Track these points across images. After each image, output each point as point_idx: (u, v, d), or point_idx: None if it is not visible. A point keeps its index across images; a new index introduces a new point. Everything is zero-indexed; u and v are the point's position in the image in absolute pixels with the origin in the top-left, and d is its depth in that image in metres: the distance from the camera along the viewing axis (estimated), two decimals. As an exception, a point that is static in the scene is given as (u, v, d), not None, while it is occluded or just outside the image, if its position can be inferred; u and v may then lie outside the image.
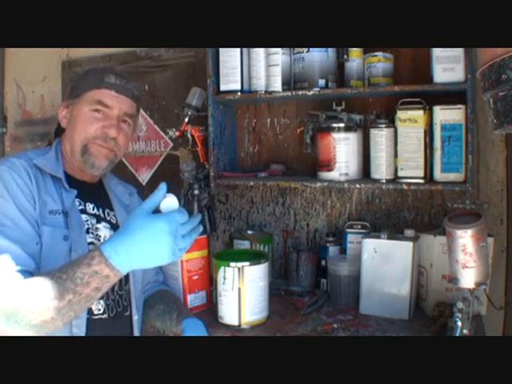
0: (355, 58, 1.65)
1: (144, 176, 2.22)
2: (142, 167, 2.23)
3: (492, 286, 1.50)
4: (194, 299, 1.58)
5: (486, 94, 0.91)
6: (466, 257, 1.23)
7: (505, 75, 0.84)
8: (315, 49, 1.63)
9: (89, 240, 1.20)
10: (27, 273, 1.01)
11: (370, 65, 1.61)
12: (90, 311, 1.17)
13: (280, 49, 1.67)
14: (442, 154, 1.52)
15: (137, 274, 1.32)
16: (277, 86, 1.69)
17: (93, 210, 1.26)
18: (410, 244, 1.48)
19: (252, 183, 1.82)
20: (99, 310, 1.20)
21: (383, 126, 1.60)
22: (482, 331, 1.42)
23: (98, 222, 1.26)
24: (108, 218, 1.29)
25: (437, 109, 1.52)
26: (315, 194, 1.92)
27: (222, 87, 1.76)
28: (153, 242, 0.94)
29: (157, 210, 0.98)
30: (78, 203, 1.22)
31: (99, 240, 1.24)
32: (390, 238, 1.52)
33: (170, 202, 0.99)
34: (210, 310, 1.58)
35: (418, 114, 1.53)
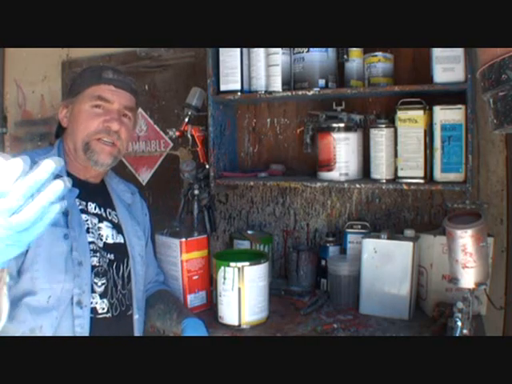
0: (355, 58, 1.65)
1: (144, 176, 2.22)
2: (142, 167, 2.23)
3: (492, 286, 1.50)
4: (194, 299, 1.58)
5: (486, 93, 0.91)
6: (466, 257, 1.23)
7: (505, 75, 0.84)
8: (315, 49, 1.63)
9: (89, 239, 1.21)
10: None
11: (370, 65, 1.61)
12: (93, 310, 1.18)
13: (280, 49, 1.67)
14: (442, 154, 1.52)
15: (138, 274, 1.33)
16: (277, 86, 1.69)
17: (94, 209, 1.27)
18: (409, 244, 1.48)
19: (252, 183, 1.82)
20: (103, 308, 1.20)
21: (383, 125, 1.60)
22: (481, 331, 1.42)
23: (100, 221, 1.27)
24: (110, 218, 1.30)
25: (437, 109, 1.52)
26: (315, 194, 1.91)
27: (222, 87, 1.76)
28: None
29: None
30: (78, 203, 1.23)
31: (101, 239, 1.24)
32: (390, 238, 1.52)
33: None
34: (210, 310, 1.58)
35: (418, 114, 1.53)
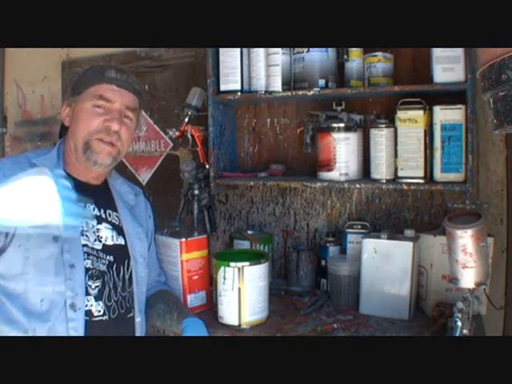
0: (355, 58, 1.65)
1: (144, 176, 2.22)
2: (142, 167, 2.23)
3: (492, 286, 1.50)
4: (194, 299, 1.58)
5: (486, 93, 0.91)
6: (466, 257, 1.23)
7: (505, 75, 0.84)
8: (315, 49, 1.63)
9: (83, 242, 1.19)
10: None
11: (370, 65, 1.61)
12: (89, 313, 1.17)
13: (280, 49, 1.67)
14: (442, 154, 1.52)
15: (140, 276, 1.32)
16: (277, 86, 1.68)
17: (93, 210, 1.25)
18: (409, 244, 1.48)
19: (252, 183, 1.82)
20: (99, 311, 1.19)
21: (383, 125, 1.60)
22: (481, 331, 1.42)
23: (99, 223, 1.26)
24: (109, 219, 1.29)
25: (437, 109, 1.52)
26: (315, 194, 1.91)
27: (222, 87, 1.76)
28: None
29: None
30: None
31: (100, 241, 1.24)
32: (390, 237, 1.52)
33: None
34: (210, 310, 1.58)
35: (418, 114, 1.53)
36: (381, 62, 1.60)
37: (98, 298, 1.20)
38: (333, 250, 1.76)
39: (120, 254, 1.28)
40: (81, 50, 2.23)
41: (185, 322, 1.29)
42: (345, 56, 1.65)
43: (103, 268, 1.22)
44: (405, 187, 1.56)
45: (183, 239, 1.56)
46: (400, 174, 1.57)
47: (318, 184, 1.68)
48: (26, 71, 2.49)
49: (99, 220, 1.26)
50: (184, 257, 1.56)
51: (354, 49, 1.64)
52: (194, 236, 1.61)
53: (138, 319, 1.29)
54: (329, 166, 1.65)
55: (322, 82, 1.64)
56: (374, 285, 1.52)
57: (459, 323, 1.21)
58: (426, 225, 1.72)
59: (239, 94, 1.74)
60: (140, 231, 1.37)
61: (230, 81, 1.74)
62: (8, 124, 2.58)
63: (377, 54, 1.60)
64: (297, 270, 1.80)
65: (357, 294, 1.58)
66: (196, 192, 1.80)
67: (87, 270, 1.18)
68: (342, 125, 1.65)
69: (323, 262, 1.76)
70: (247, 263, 1.43)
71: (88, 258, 1.19)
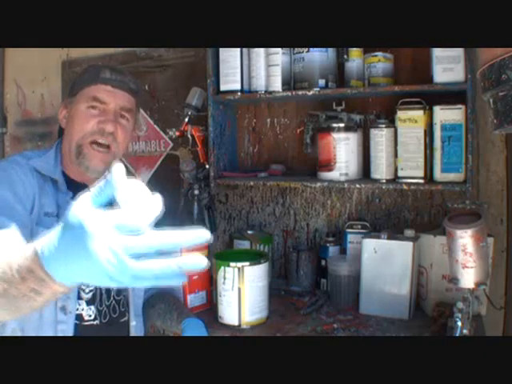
0: (355, 58, 1.65)
1: (144, 176, 2.22)
2: (142, 167, 2.23)
3: (492, 286, 1.50)
4: (194, 299, 1.58)
5: (486, 93, 0.91)
6: (466, 257, 1.23)
7: (505, 75, 0.84)
8: (315, 49, 1.63)
9: None
10: None
11: (370, 65, 1.61)
12: (79, 317, 1.16)
13: (280, 49, 1.67)
14: (441, 154, 1.52)
15: None
16: (277, 85, 1.68)
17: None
18: (409, 244, 1.48)
19: (252, 183, 1.82)
20: (90, 315, 1.19)
21: (383, 125, 1.60)
22: (481, 331, 1.42)
23: None
24: None
25: (437, 109, 1.52)
26: (315, 194, 1.91)
27: (222, 87, 1.76)
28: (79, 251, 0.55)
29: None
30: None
31: None
32: (390, 237, 1.52)
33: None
34: (210, 309, 1.58)
35: (418, 114, 1.53)
36: (381, 62, 1.60)
37: (90, 302, 1.19)
38: (333, 250, 1.76)
39: None
40: (81, 49, 2.23)
41: (185, 322, 1.28)
42: (345, 56, 1.65)
43: None
44: (405, 187, 1.56)
45: (183, 239, 1.56)
46: (400, 174, 1.57)
47: (318, 184, 1.68)
48: (26, 71, 2.49)
49: None
50: (184, 257, 1.56)
51: (354, 49, 1.64)
52: (193, 236, 1.60)
53: (133, 323, 1.28)
54: (329, 165, 1.65)
55: (322, 82, 1.64)
56: (374, 285, 1.52)
57: (459, 323, 1.21)
58: (426, 225, 1.72)
59: (239, 93, 1.74)
60: None
61: (230, 81, 1.74)
62: (8, 124, 2.58)
63: (377, 53, 1.60)
64: (297, 270, 1.80)
65: (357, 294, 1.58)
66: (196, 192, 1.80)
67: None
68: (341, 125, 1.65)
69: (323, 262, 1.76)
70: (247, 263, 1.43)
71: None
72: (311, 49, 1.63)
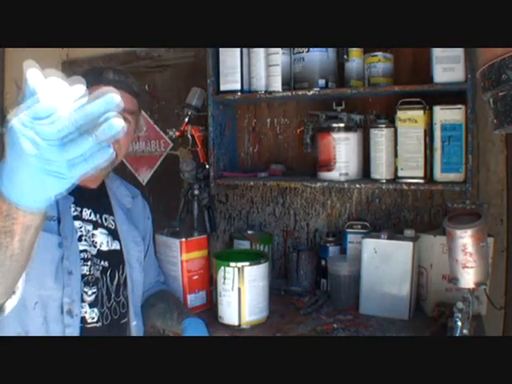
0: (355, 58, 1.65)
1: (144, 176, 2.22)
2: (142, 167, 2.23)
3: (492, 286, 1.50)
4: (194, 299, 1.59)
5: (486, 93, 0.91)
6: (466, 257, 1.23)
7: (505, 75, 0.84)
8: (315, 49, 1.63)
9: (81, 248, 1.18)
10: None
11: (370, 65, 1.61)
12: (83, 320, 1.17)
13: (280, 49, 1.67)
14: (441, 154, 1.52)
15: (136, 281, 1.32)
16: (277, 86, 1.68)
17: (89, 215, 1.24)
18: (409, 244, 1.48)
19: (252, 183, 1.82)
20: (93, 318, 1.19)
21: (383, 125, 1.60)
22: (481, 331, 1.42)
23: (95, 228, 1.24)
24: (106, 224, 1.27)
25: (437, 109, 1.52)
26: (315, 194, 1.91)
27: (222, 87, 1.76)
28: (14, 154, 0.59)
29: None
30: (73, 209, 1.20)
31: (95, 246, 1.23)
32: (390, 237, 1.52)
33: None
34: (210, 309, 1.58)
35: (418, 114, 1.53)
36: (381, 62, 1.60)
37: (92, 304, 1.19)
38: (333, 250, 1.76)
39: (115, 260, 1.26)
40: (81, 50, 2.23)
41: (185, 322, 1.29)
42: (345, 56, 1.65)
43: (97, 274, 1.21)
44: (405, 187, 1.56)
45: (183, 239, 1.56)
46: (400, 174, 1.57)
47: (318, 184, 1.68)
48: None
49: (95, 225, 1.24)
50: (184, 257, 1.56)
51: (354, 49, 1.64)
52: (193, 236, 1.61)
53: (133, 323, 1.29)
54: (329, 165, 1.65)
55: (321, 82, 1.64)
56: (374, 285, 1.52)
57: (459, 323, 1.21)
58: (426, 225, 1.72)
59: (239, 93, 1.74)
60: (136, 235, 1.35)
61: (230, 81, 1.74)
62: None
63: (377, 53, 1.60)
64: (297, 270, 1.80)
65: (357, 294, 1.58)
66: (196, 192, 1.81)
67: (83, 276, 1.17)
68: (341, 125, 1.65)
69: (323, 262, 1.76)
70: (247, 263, 1.43)
71: (85, 264, 1.19)
72: (311, 49, 1.63)
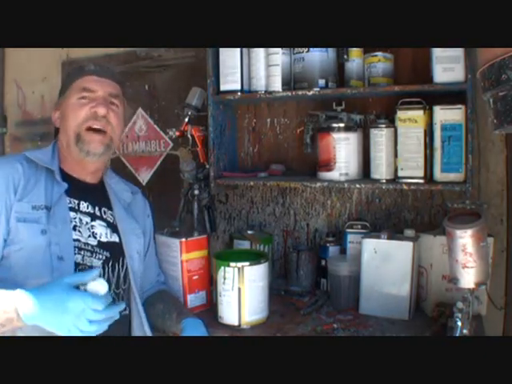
0: (355, 58, 1.65)
1: (144, 176, 2.22)
2: (142, 167, 2.23)
3: (492, 286, 1.50)
4: (194, 299, 1.58)
5: (486, 93, 0.91)
6: (466, 257, 1.23)
7: (505, 75, 0.84)
8: (315, 49, 1.63)
9: (75, 237, 1.20)
10: None
11: (370, 65, 1.61)
12: None
13: (280, 49, 1.67)
14: (441, 154, 1.52)
15: (136, 273, 1.33)
16: (277, 85, 1.68)
17: (87, 208, 1.27)
18: (409, 244, 1.48)
19: (252, 183, 1.82)
20: None
21: (383, 125, 1.59)
22: (481, 331, 1.42)
23: (93, 220, 1.27)
24: (104, 217, 1.30)
25: (437, 109, 1.52)
26: (315, 194, 1.91)
27: (222, 87, 1.76)
28: (56, 312, 0.96)
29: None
30: (68, 201, 1.23)
31: (95, 237, 1.25)
32: (390, 238, 1.52)
33: (96, 286, 1.01)
34: (210, 310, 1.58)
35: (418, 114, 1.53)
36: (381, 62, 1.60)
37: None
38: (333, 250, 1.76)
39: (114, 252, 1.28)
40: (81, 49, 2.23)
41: (184, 322, 1.29)
42: (345, 56, 1.65)
43: (97, 263, 1.23)
44: (405, 187, 1.56)
45: (183, 239, 1.56)
46: (400, 174, 1.57)
47: (318, 184, 1.68)
48: (26, 71, 2.49)
49: (93, 217, 1.27)
50: (184, 257, 1.56)
51: (354, 49, 1.64)
52: (193, 236, 1.61)
53: (136, 315, 1.29)
54: (329, 165, 1.65)
55: (321, 82, 1.64)
56: (374, 285, 1.52)
57: (459, 323, 1.21)
58: (426, 225, 1.72)
59: (239, 93, 1.74)
60: (136, 227, 1.38)
61: (230, 81, 1.74)
62: (8, 124, 2.58)
63: (377, 53, 1.60)
64: (297, 270, 1.80)
65: (357, 294, 1.58)
66: (196, 192, 1.80)
67: (77, 264, 1.19)
68: (341, 125, 1.65)
69: (323, 262, 1.76)
70: (247, 263, 1.43)
71: (79, 253, 1.20)
72: (311, 49, 1.63)
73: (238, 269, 1.43)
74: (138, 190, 1.48)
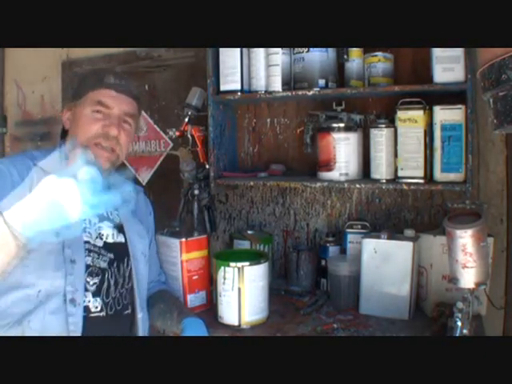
0: (355, 58, 1.65)
1: (144, 176, 2.22)
2: (142, 167, 2.23)
3: (492, 286, 1.50)
4: (194, 299, 1.58)
5: (486, 93, 0.91)
6: (466, 257, 1.23)
7: (505, 75, 0.84)
8: (315, 49, 1.63)
9: (85, 239, 1.21)
10: None
11: (370, 65, 1.61)
12: (86, 309, 1.18)
13: (280, 49, 1.67)
14: (441, 154, 1.52)
15: (141, 273, 1.33)
16: (277, 86, 1.68)
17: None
18: (410, 244, 1.48)
19: (252, 183, 1.82)
20: (96, 307, 1.20)
21: (383, 125, 1.60)
22: (481, 331, 1.42)
23: (101, 220, 1.27)
24: (111, 217, 1.31)
25: (437, 109, 1.52)
26: (315, 194, 1.91)
27: (222, 87, 1.76)
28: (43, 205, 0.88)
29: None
30: None
31: (101, 238, 1.25)
32: (390, 237, 1.52)
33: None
34: (210, 309, 1.58)
35: (418, 114, 1.53)
36: (381, 62, 1.60)
37: (95, 294, 1.20)
38: (333, 250, 1.76)
39: (120, 252, 1.29)
40: (81, 50, 2.23)
41: (184, 322, 1.29)
42: (345, 56, 1.65)
43: (104, 265, 1.23)
44: (405, 187, 1.56)
45: (183, 239, 1.56)
46: (400, 173, 1.57)
47: (318, 184, 1.68)
48: (26, 71, 2.49)
49: (100, 218, 1.27)
50: (184, 257, 1.56)
51: (354, 49, 1.64)
52: (193, 236, 1.61)
53: (139, 315, 1.30)
54: (329, 165, 1.65)
55: (321, 82, 1.64)
56: (374, 285, 1.52)
57: (459, 323, 1.21)
58: (426, 225, 1.72)
59: (239, 93, 1.74)
60: (141, 228, 1.39)
61: (230, 81, 1.74)
62: (8, 124, 2.58)
63: (377, 53, 1.60)
64: (297, 270, 1.80)
65: (357, 294, 1.58)
66: (196, 192, 1.80)
67: (87, 266, 1.19)
68: (342, 125, 1.65)
69: (323, 262, 1.76)
70: (247, 263, 1.43)
71: (89, 255, 1.20)
72: (311, 49, 1.63)
73: (238, 269, 1.43)
74: (140, 189, 1.49)
